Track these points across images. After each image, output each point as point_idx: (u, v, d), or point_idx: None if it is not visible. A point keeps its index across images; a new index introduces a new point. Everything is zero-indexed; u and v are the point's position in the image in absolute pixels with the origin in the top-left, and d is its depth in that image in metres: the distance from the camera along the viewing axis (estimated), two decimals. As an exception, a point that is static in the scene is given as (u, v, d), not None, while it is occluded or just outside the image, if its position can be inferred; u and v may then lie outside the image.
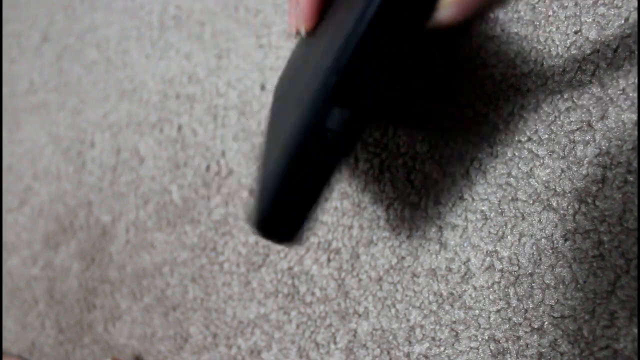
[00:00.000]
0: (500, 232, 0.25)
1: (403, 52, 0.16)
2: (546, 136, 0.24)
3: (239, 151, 0.35)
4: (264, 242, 0.33)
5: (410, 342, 0.27)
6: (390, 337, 0.27)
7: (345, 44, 0.15)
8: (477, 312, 0.25)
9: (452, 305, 0.26)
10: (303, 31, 0.21)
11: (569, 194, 0.24)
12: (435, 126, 0.27)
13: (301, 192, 0.18)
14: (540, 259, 0.24)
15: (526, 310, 0.24)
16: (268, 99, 0.35)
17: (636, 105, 0.22)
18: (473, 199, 0.26)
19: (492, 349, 0.25)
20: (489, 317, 0.25)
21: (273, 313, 0.32)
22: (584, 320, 0.23)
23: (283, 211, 0.18)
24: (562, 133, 0.24)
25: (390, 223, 0.28)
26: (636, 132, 0.22)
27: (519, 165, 0.25)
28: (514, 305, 0.24)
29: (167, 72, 0.40)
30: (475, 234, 0.26)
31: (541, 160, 0.24)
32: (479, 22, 0.27)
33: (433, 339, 0.26)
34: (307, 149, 0.17)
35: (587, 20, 0.24)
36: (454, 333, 0.26)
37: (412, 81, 0.28)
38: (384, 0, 0.15)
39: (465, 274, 0.26)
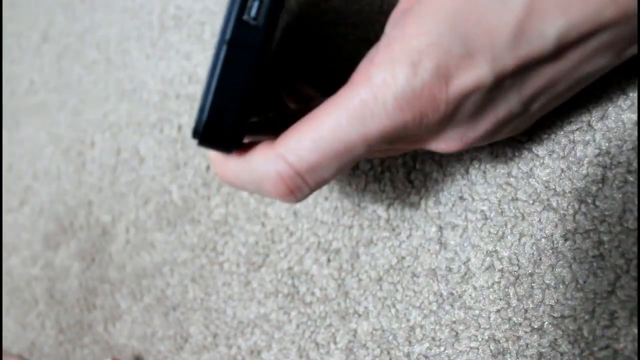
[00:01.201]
0: (500, 232, 0.25)
1: None
2: (546, 136, 0.24)
3: (239, 151, 0.35)
4: (264, 242, 0.33)
5: (410, 342, 0.27)
6: (390, 337, 0.28)
7: None
8: (477, 312, 0.25)
9: (452, 305, 0.26)
10: None
11: (569, 194, 0.24)
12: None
13: (233, 91, 0.19)
14: (540, 259, 0.24)
15: (526, 310, 0.24)
16: (268, 99, 0.35)
17: (636, 105, 0.22)
18: (473, 199, 0.26)
19: (492, 349, 0.25)
20: (489, 317, 0.25)
21: (273, 313, 0.32)
22: (584, 320, 0.23)
23: (217, 114, 0.19)
24: (562, 133, 0.24)
25: (390, 223, 0.28)
26: (636, 132, 0.22)
27: (519, 165, 0.25)
28: (514, 305, 0.24)
29: (167, 72, 0.40)
30: (475, 234, 0.26)
31: (541, 160, 0.24)
32: None
33: (433, 339, 0.26)
34: (232, 39, 0.19)
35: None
36: (454, 333, 0.26)
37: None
38: None
39: (465, 274, 0.26)
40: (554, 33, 0.17)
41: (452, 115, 0.18)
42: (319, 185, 0.20)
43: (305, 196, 0.20)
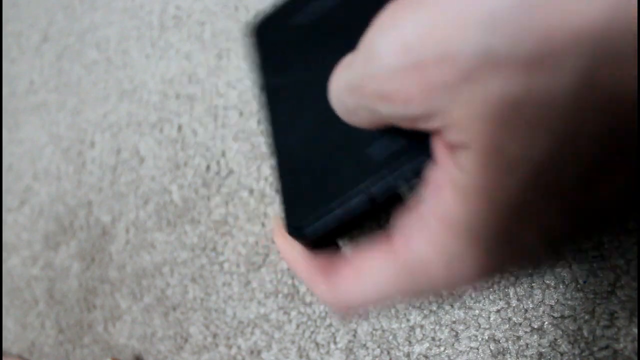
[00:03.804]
0: (500, 232, 0.25)
1: None
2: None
3: (239, 151, 0.35)
4: (264, 242, 0.33)
5: (410, 342, 0.27)
6: (390, 337, 0.28)
7: None
8: (477, 312, 0.25)
9: (452, 305, 0.26)
10: None
11: (569, 194, 0.24)
12: None
13: (344, 221, 0.19)
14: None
15: (526, 310, 0.24)
16: (268, 99, 0.34)
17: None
18: (473, 199, 0.26)
19: (492, 349, 0.25)
20: (489, 317, 0.25)
21: (273, 313, 0.32)
22: (584, 320, 0.23)
23: (322, 232, 0.20)
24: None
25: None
26: (636, 132, 0.22)
27: (519, 165, 0.25)
28: (514, 305, 0.24)
29: (167, 72, 0.40)
30: (475, 234, 0.26)
31: (541, 160, 0.24)
32: None
33: (433, 339, 0.26)
34: (373, 195, 0.19)
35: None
36: (454, 333, 0.26)
37: None
38: None
39: (465, 274, 0.26)
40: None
41: None
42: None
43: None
